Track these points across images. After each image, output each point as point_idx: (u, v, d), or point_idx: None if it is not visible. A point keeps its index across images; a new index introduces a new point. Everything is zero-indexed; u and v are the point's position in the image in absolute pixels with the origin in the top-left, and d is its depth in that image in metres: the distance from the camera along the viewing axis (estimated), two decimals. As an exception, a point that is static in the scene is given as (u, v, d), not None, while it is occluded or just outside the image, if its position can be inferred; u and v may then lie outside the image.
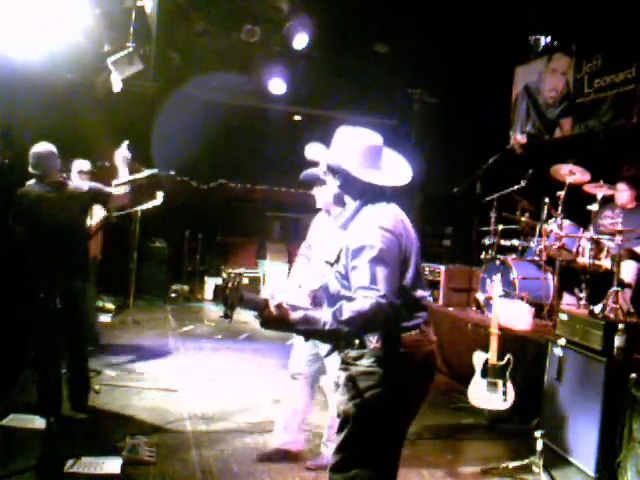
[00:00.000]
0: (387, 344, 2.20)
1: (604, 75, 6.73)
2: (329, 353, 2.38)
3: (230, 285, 2.09)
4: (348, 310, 2.08)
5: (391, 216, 2.30)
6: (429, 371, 2.38)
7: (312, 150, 3.37)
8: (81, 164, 6.07)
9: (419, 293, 2.34)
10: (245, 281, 2.26)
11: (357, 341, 2.22)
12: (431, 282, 6.98)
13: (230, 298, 2.09)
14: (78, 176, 5.99)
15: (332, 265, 2.34)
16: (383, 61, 8.76)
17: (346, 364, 2.29)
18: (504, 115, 8.38)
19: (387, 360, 2.20)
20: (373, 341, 2.20)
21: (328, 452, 3.28)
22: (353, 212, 2.35)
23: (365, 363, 2.22)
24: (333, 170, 2.37)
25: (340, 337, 2.21)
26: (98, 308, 7.78)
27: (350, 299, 2.14)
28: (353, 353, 2.26)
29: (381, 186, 2.37)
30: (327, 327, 2.08)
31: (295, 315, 2.11)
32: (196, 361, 5.96)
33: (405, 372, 2.24)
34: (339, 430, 2.27)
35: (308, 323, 2.11)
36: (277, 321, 2.10)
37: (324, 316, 2.11)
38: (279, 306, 2.11)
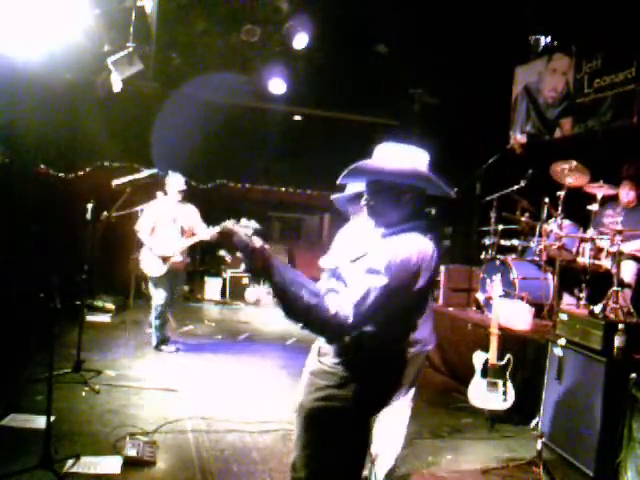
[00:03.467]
0: (359, 353, 2.16)
1: (604, 75, 6.73)
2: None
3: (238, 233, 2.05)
4: (343, 314, 2.02)
5: (427, 251, 2.19)
6: (395, 382, 2.36)
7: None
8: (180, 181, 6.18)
9: (416, 322, 2.33)
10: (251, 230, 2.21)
11: (342, 343, 2.17)
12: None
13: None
14: (178, 195, 6.14)
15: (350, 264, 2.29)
16: (383, 61, 8.76)
17: (316, 358, 2.27)
18: (504, 115, 8.37)
19: (352, 367, 2.16)
20: (353, 346, 2.15)
21: None
22: (397, 230, 2.25)
23: (329, 362, 2.20)
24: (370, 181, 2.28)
25: (335, 336, 2.14)
26: (98, 308, 7.80)
27: (334, 295, 2.08)
28: (323, 350, 2.24)
29: (427, 210, 2.36)
30: (298, 302, 2.00)
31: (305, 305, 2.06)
32: (196, 361, 5.96)
33: (366, 386, 2.18)
34: (297, 422, 2.25)
35: (310, 319, 2.04)
36: (267, 278, 2.02)
37: (305, 294, 2.02)
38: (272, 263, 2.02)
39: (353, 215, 3.37)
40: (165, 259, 6.01)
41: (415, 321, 2.33)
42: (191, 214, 6.21)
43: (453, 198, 2.44)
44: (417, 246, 2.17)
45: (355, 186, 3.27)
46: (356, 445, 2.26)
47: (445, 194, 2.42)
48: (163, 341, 6.17)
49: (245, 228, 2.07)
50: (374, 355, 2.18)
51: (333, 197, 3.37)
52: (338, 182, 2.39)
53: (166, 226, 6.09)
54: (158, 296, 6.08)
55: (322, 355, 2.24)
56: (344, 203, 3.35)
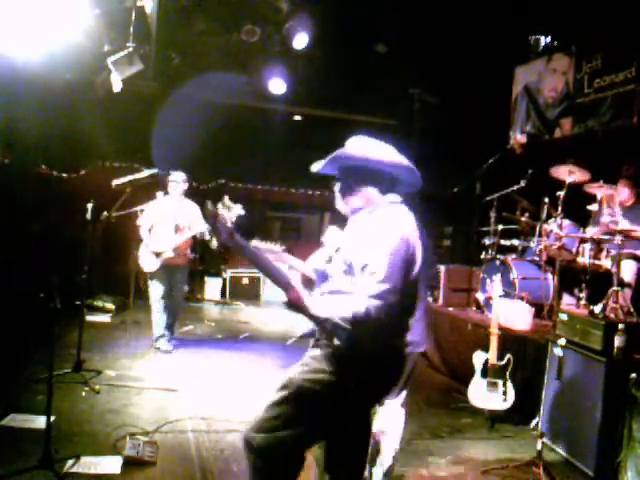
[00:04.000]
0: (359, 342, 2.21)
1: (604, 75, 6.73)
2: (305, 336, 2.41)
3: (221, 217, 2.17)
4: (346, 306, 2.14)
5: (405, 221, 2.33)
6: (388, 380, 2.40)
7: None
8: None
9: (411, 308, 2.38)
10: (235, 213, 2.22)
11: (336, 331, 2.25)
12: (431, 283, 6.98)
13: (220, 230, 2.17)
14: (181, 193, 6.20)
15: (335, 256, 2.39)
16: (383, 61, 8.76)
17: (314, 345, 2.35)
18: (504, 115, 8.38)
19: (352, 356, 2.22)
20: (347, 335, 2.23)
21: None
22: (370, 211, 2.38)
23: (329, 350, 2.26)
24: (352, 167, 2.40)
25: (323, 324, 2.25)
26: (98, 308, 7.79)
27: (350, 295, 2.18)
28: (324, 337, 2.30)
29: (399, 182, 2.44)
30: (333, 324, 2.17)
31: (312, 308, 2.22)
32: (196, 361, 5.96)
33: (364, 373, 2.24)
34: (279, 389, 2.33)
35: (315, 316, 2.22)
36: (296, 303, 2.20)
37: (331, 314, 2.17)
38: (299, 295, 2.20)
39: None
40: (158, 254, 6.05)
41: (411, 309, 2.38)
42: (192, 211, 6.23)
43: (421, 194, 2.58)
44: (398, 216, 2.31)
45: None
46: (322, 429, 2.33)
47: (415, 189, 2.55)
48: (161, 337, 6.18)
49: (229, 211, 2.20)
50: (373, 350, 2.23)
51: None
52: (316, 170, 2.47)
53: (165, 224, 6.11)
54: (154, 291, 6.13)
55: (321, 345, 2.30)
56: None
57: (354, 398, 2.27)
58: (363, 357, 2.22)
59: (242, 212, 2.37)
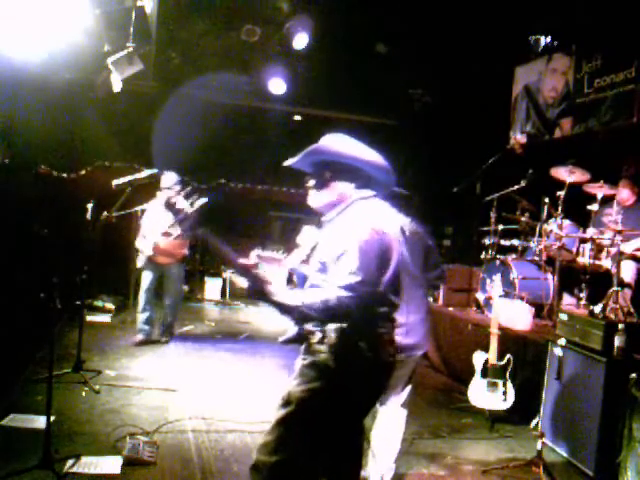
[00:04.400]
0: (345, 342, 2.22)
1: (604, 75, 6.73)
2: (288, 341, 2.38)
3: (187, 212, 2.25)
4: (315, 295, 2.18)
5: (379, 215, 2.35)
6: (381, 379, 2.40)
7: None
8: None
9: (392, 300, 2.37)
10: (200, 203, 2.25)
11: (319, 334, 2.24)
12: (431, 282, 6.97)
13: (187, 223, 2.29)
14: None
15: (311, 255, 2.42)
16: (383, 61, 8.76)
17: (305, 354, 2.32)
18: (504, 115, 8.38)
19: (342, 357, 2.22)
20: (333, 336, 2.22)
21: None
22: (343, 207, 2.39)
23: (320, 356, 2.25)
24: (326, 162, 2.42)
25: (305, 320, 2.27)
26: (98, 308, 7.79)
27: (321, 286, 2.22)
28: (313, 345, 2.28)
29: (373, 180, 2.44)
30: (298, 311, 2.21)
31: (275, 295, 2.26)
32: (196, 361, 5.96)
33: (357, 374, 2.24)
34: (281, 406, 2.30)
35: (280, 303, 2.24)
36: (257, 286, 2.27)
37: (297, 300, 2.22)
38: (263, 278, 2.27)
39: None
40: (140, 252, 6.23)
41: (390, 302, 2.36)
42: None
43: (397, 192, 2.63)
44: (369, 209, 2.33)
45: None
46: (333, 440, 2.31)
47: (389, 188, 2.55)
48: (140, 332, 6.26)
49: (191, 204, 2.36)
50: (351, 342, 2.22)
51: None
52: (289, 165, 2.53)
53: (154, 225, 6.17)
54: (141, 285, 6.30)
55: (313, 351, 2.28)
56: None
57: (354, 398, 2.26)
58: (354, 354, 2.22)
59: (205, 201, 2.43)
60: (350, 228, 2.25)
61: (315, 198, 2.51)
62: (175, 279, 6.39)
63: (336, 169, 2.41)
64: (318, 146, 2.40)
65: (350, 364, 2.22)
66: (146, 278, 6.25)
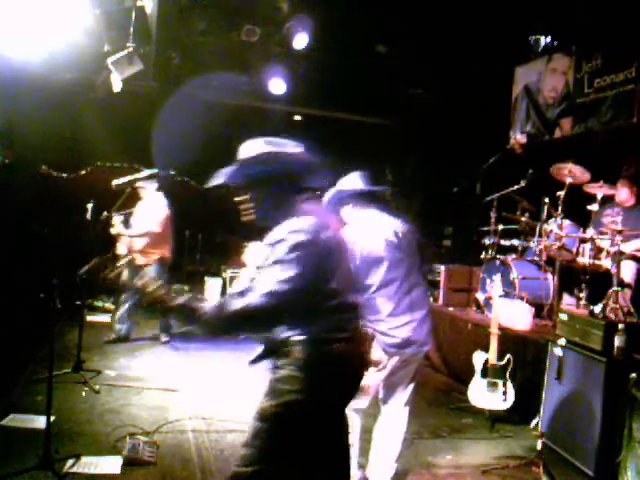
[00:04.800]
0: (310, 351, 2.15)
1: (604, 75, 6.73)
2: (256, 360, 2.29)
3: (109, 273, 2.22)
4: (231, 306, 2.08)
5: (313, 221, 2.19)
6: (352, 382, 2.32)
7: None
8: None
9: (350, 302, 2.29)
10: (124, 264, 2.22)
11: (284, 348, 2.17)
12: (431, 282, 6.98)
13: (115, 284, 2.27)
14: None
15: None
16: (383, 61, 8.76)
17: (273, 368, 2.25)
18: (504, 115, 8.37)
19: (309, 367, 2.15)
20: (297, 348, 2.16)
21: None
22: (283, 213, 2.24)
23: (288, 369, 2.18)
24: (254, 173, 2.31)
25: (220, 332, 2.20)
26: (98, 308, 7.79)
27: (238, 295, 2.11)
28: (279, 359, 2.22)
29: (304, 177, 2.34)
30: (205, 317, 2.11)
31: (176, 300, 2.19)
32: (196, 361, 5.96)
33: (326, 381, 2.18)
34: (255, 421, 2.22)
35: (188, 312, 2.17)
36: (156, 303, 2.21)
37: (206, 306, 2.13)
38: (158, 291, 2.21)
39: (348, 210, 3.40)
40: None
41: (344, 308, 2.26)
42: (148, 211, 6.23)
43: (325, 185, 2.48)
44: (305, 225, 2.16)
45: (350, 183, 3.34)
46: (312, 451, 2.23)
47: (324, 182, 2.47)
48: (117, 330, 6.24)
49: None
50: (315, 351, 2.16)
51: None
52: (220, 182, 2.41)
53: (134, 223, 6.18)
54: None
55: (281, 365, 2.21)
56: (337, 201, 3.38)
57: (327, 405, 2.22)
58: (321, 361, 2.16)
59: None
60: (282, 232, 2.14)
61: (254, 213, 2.35)
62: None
63: (266, 178, 2.29)
64: (240, 159, 2.33)
65: (318, 372, 2.16)
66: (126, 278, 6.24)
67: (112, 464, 3.49)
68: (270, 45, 8.20)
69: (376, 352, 3.18)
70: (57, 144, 8.57)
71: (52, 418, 3.50)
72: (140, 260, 6.15)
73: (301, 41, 7.83)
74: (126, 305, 6.25)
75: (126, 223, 5.99)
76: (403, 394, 3.41)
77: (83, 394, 4.64)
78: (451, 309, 6.56)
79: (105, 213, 5.38)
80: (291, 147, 2.34)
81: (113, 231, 5.95)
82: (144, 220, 6.11)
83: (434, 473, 3.77)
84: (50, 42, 5.61)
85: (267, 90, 8.60)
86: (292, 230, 2.13)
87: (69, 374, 4.92)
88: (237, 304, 2.07)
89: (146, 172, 5.52)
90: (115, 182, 5.25)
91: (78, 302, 5.34)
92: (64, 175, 8.84)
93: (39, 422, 3.77)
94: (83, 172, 8.96)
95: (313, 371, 2.16)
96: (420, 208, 9.57)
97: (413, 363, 3.34)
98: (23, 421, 3.96)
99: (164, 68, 7.99)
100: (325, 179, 2.45)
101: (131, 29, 6.08)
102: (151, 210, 6.20)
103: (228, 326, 2.14)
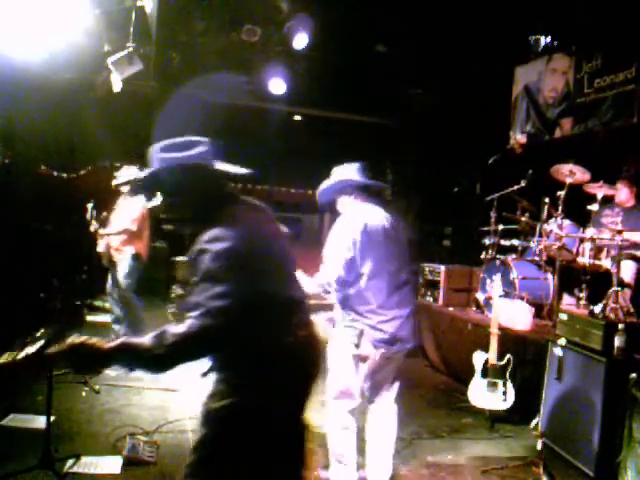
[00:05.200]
0: (255, 352, 2.03)
1: (604, 75, 6.72)
2: (208, 372, 2.17)
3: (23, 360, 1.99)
4: (172, 333, 1.89)
5: (234, 225, 2.04)
6: (300, 386, 2.19)
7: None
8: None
9: (291, 299, 2.19)
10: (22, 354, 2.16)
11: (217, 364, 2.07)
12: (431, 282, 6.98)
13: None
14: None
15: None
16: (383, 61, 8.76)
17: (217, 369, 2.15)
18: (504, 115, 8.37)
19: (254, 369, 2.04)
20: (240, 349, 2.03)
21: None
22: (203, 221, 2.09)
23: (222, 386, 2.10)
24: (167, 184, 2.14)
25: (167, 364, 1.95)
26: (98, 308, 7.79)
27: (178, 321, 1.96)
28: (215, 375, 2.13)
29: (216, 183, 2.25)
30: (152, 352, 1.87)
31: (111, 344, 1.89)
32: (196, 361, 5.94)
33: (272, 384, 2.05)
34: (198, 426, 2.15)
35: (128, 350, 1.89)
36: (90, 357, 1.87)
37: (146, 341, 1.89)
38: (85, 342, 1.87)
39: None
40: None
41: (288, 306, 2.16)
42: (125, 209, 6.13)
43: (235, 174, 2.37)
44: (225, 227, 2.01)
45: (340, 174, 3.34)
46: (261, 460, 2.10)
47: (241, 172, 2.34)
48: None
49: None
50: (260, 350, 2.04)
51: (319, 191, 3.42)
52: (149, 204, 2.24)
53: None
54: None
55: (215, 368, 2.13)
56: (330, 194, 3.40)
57: (275, 406, 2.09)
58: (267, 362, 2.04)
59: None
60: (201, 243, 1.98)
61: (173, 222, 2.29)
62: (119, 276, 6.11)
63: (177, 183, 2.14)
64: (149, 172, 2.17)
65: (263, 372, 2.04)
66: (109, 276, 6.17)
67: (112, 464, 3.49)
68: (270, 45, 8.20)
69: (365, 346, 3.19)
70: (57, 144, 8.56)
71: (52, 418, 3.49)
72: (116, 256, 6.10)
73: (301, 41, 7.83)
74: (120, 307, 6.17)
75: (103, 221, 5.93)
76: (389, 392, 3.43)
77: (83, 394, 4.64)
78: (451, 309, 6.55)
79: (105, 213, 5.37)
80: (197, 147, 2.20)
81: (92, 228, 5.93)
82: (121, 218, 6.03)
83: (434, 473, 3.77)
84: (50, 42, 5.61)
85: (267, 90, 8.60)
86: (210, 239, 1.97)
87: (69, 374, 4.91)
88: (178, 330, 1.90)
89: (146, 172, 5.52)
90: (115, 182, 5.26)
91: (78, 302, 5.34)
92: (64, 175, 8.84)
93: (39, 422, 3.77)
94: (83, 172, 8.96)
95: (257, 372, 2.04)
96: (420, 208, 9.57)
97: (395, 361, 3.37)
98: (23, 421, 3.96)
99: (164, 68, 7.99)
100: (249, 170, 2.34)
101: (131, 29, 6.08)
102: (129, 208, 6.13)
103: (176, 355, 1.92)
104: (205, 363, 2.12)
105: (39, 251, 6.94)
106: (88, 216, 5.46)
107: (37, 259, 6.66)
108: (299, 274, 2.62)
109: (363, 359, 3.21)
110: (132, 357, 1.91)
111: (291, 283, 2.27)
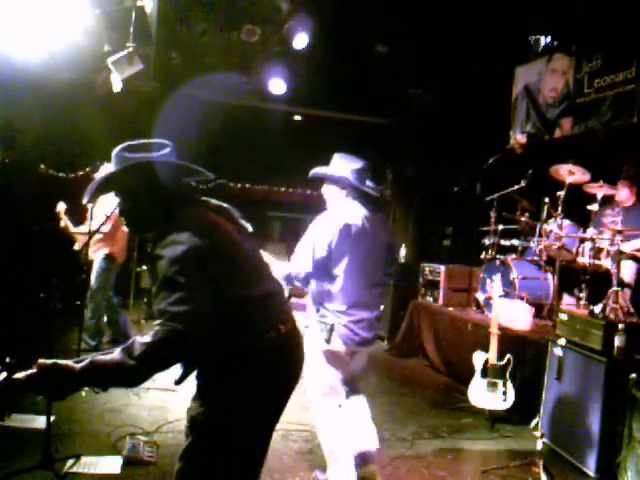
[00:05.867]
0: (233, 352, 2.01)
1: (604, 75, 6.72)
2: (182, 379, 2.09)
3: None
4: (140, 343, 1.84)
5: (191, 227, 1.98)
6: (282, 383, 2.16)
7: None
8: None
9: (265, 293, 2.14)
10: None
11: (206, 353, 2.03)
12: (431, 282, 6.99)
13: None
14: None
15: None
16: (383, 61, 8.76)
17: (197, 378, 2.12)
18: (504, 115, 8.37)
19: (233, 370, 2.02)
20: (218, 351, 2.01)
21: None
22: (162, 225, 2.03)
23: (205, 389, 2.08)
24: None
25: (142, 375, 1.90)
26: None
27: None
28: (198, 379, 2.11)
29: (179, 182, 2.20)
30: (124, 366, 1.82)
31: (81, 365, 1.83)
32: (170, 367, 5.92)
33: (251, 389, 2.03)
34: (187, 435, 2.10)
35: (98, 368, 1.83)
36: (62, 380, 1.81)
37: (115, 356, 1.84)
38: (56, 363, 1.81)
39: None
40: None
41: (250, 309, 2.08)
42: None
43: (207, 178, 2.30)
44: (186, 229, 1.95)
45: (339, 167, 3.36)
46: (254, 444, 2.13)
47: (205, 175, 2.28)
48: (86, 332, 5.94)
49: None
50: (238, 350, 2.02)
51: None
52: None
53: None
54: None
55: (196, 376, 2.10)
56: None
57: (258, 404, 2.07)
58: (240, 363, 2.01)
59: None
60: (158, 249, 1.94)
61: (131, 225, 2.23)
62: (94, 275, 6.06)
63: (131, 186, 2.09)
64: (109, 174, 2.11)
65: (243, 372, 2.02)
66: None
67: (112, 464, 3.48)
68: (270, 45, 8.19)
69: (335, 342, 3.21)
70: (57, 144, 8.57)
71: (52, 418, 3.49)
72: (91, 255, 6.06)
73: (301, 41, 7.83)
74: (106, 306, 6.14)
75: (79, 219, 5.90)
76: (359, 382, 3.54)
77: (83, 394, 4.63)
78: (451, 309, 6.56)
79: (105, 213, 5.34)
80: (160, 149, 2.13)
81: (62, 224, 5.85)
82: (98, 217, 5.96)
83: (434, 473, 3.77)
84: (50, 42, 5.61)
85: (267, 90, 8.60)
86: (166, 244, 1.93)
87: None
88: (145, 339, 1.85)
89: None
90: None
91: (78, 302, 5.34)
92: (64, 175, 8.84)
93: (39, 422, 3.77)
94: (83, 172, 8.96)
95: (241, 371, 2.02)
96: (420, 208, 9.57)
97: (364, 355, 3.47)
98: (23, 421, 3.96)
99: (164, 68, 7.99)
100: (208, 172, 2.26)
101: (131, 29, 6.08)
102: (103, 209, 6.06)
103: (147, 365, 1.87)
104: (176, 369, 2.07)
105: (39, 251, 6.95)
106: (88, 216, 5.44)
107: (37, 259, 6.66)
108: (269, 259, 2.62)
109: (333, 354, 3.22)
110: (104, 375, 1.86)
111: (264, 278, 2.22)
